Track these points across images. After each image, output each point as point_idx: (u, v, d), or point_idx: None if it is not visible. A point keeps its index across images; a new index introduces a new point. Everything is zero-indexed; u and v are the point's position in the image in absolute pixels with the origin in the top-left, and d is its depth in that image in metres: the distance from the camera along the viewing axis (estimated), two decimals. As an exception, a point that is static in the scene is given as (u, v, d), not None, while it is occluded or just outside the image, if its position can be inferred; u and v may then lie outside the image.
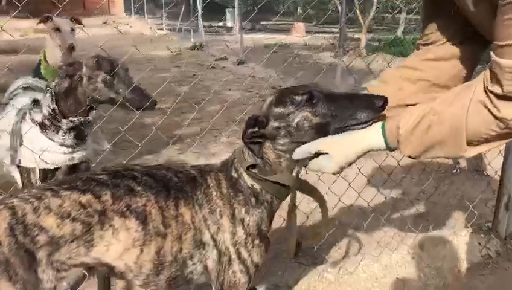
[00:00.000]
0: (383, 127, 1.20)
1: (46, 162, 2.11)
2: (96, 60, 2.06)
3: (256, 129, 1.29)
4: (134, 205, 1.29)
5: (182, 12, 16.14)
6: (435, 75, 1.43)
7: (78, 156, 2.20)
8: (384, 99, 1.18)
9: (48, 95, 2.10)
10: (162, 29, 16.39)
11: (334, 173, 1.28)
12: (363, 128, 1.20)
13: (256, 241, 1.37)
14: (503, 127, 1.04)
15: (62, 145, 2.12)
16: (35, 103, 2.17)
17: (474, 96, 1.06)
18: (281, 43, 11.34)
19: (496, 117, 1.03)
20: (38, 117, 2.11)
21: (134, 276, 1.32)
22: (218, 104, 5.71)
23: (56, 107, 2.07)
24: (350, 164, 1.26)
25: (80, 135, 2.14)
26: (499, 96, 1.02)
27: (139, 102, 2.10)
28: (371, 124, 1.20)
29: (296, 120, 1.24)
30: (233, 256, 1.35)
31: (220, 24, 19.18)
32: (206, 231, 1.34)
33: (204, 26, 14.04)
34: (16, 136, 2.12)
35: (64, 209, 1.22)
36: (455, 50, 1.40)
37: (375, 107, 1.18)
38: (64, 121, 2.07)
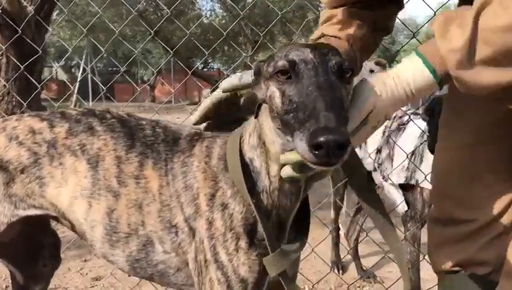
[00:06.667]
0: (419, 55, 0.90)
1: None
2: None
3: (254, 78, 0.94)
4: (88, 146, 1.11)
5: None
6: None
7: None
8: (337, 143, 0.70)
9: None
10: None
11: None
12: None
13: (242, 244, 0.97)
14: None
15: None
16: None
17: None
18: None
19: None
20: None
21: (90, 241, 1.14)
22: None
23: None
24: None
25: None
26: None
27: None
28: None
29: (267, 92, 0.88)
30: (208, 256, 0.99)
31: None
32: (178, 212, 1.03)
33: None
34: (417, 156, 2.18)
35: (14, 132, 1.16)
36: None
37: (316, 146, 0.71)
38: None
